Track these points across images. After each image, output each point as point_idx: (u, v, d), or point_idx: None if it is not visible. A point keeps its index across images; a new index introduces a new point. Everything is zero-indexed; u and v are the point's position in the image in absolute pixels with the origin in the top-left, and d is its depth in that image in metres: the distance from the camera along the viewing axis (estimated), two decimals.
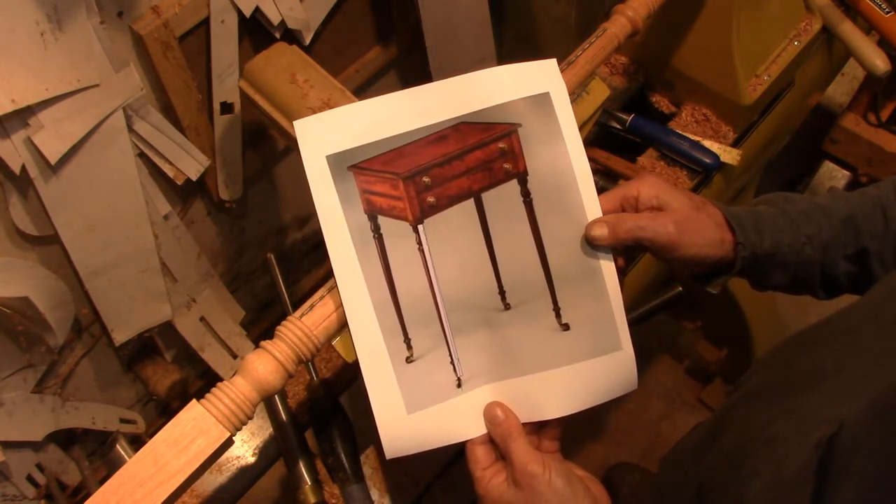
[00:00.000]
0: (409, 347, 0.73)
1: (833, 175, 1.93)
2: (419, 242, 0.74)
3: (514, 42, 1.41)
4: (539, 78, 0.76)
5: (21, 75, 0.83)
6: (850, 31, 1.18)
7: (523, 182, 0.76)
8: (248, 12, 1.03)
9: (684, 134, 1.12)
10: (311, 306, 0.71)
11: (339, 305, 0.72)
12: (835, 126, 1.90)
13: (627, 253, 0.77)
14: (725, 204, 0.78)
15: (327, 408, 0.97)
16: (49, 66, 0.85)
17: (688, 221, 0.71)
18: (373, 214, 0.73)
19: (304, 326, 0.69)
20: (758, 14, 1.07)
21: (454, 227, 0.75)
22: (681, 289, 0.98)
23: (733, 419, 0.68)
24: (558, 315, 0.75)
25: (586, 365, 0.75)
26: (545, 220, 0.76)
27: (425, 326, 0.73)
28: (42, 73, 0.85)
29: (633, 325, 0.92)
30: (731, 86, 1.10)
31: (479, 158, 0.75)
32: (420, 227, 0.74)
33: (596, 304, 0.75)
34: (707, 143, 1.11)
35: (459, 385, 0.74)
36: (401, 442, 0.73)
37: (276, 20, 1.06)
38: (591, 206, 0.76)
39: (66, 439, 1.25)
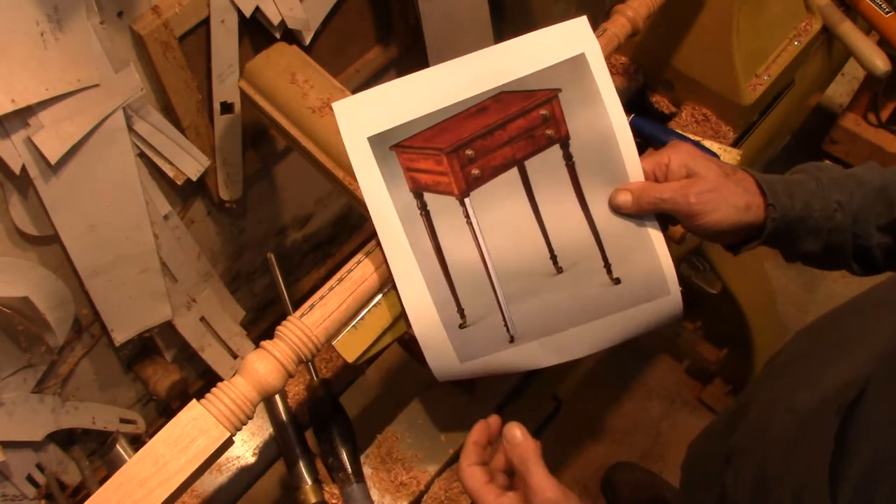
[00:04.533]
0: (463, 316, 0.75)
1: None
2: (467, 216, 0.74)
3: None
4: (572, 39, 0.76)
5: (21, 75, 0.83)
6: (850, 31, 1.18)
7: (566, 146, 0.76)
8: (248, 12, 1.03)
9: (684, 134, 1.12)
10: (311, 306, 0.71)
11: (341, 304, 0.72)
12: (835, 126, 1.90)
13: (661, 220, 0.77)
14: None
15: (327, 408, 0.97)
16: (49, 66, 0.85)
17: (713, 191, 0.72)
18: (418, 192, 0.74)
19: (304, 326, 0.69)
20: (758, 14, 1.07)
21: (500, 197, 0.75)
22: (681, 289, 0.98)
23: (760, 393, 0.69)
24: (609, 271, 0.77)
25: (634, 310, 0.77)
26: (588, 182, 0.76)
27: (479, 296, 0.75)
28: (42, 73, 0.85)
29: None
30: (731, 86, 1.10)
31: (522, 126, 0.75)
32: (466, 201, 0.74)
33: (644, 256, 0.77)
34: (707, 143, 1.11)
35: (512, 340, 0.76)
36: (451, 376, 0.77)
37: (276, 20, 1.06)
38: (632, 164, 0.76)
39: (66, 439, 1.25)
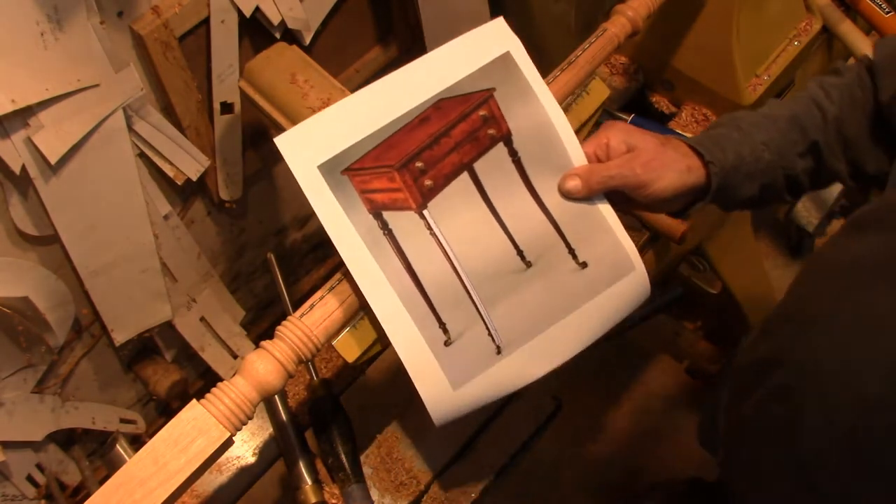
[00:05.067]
0: (446, 332, 0.74)
1: None
2: (429, 228, 0.74)
3: None
4: (495, 40, 0.79)
5: (21, 75, 0.83)
6: (850, 31, 1.18)
7: (509, 143, 0.78)
8: (248, 12, 1.03)
9: (684, 134, 1.12)
10: (311, 306, 0.71)
11: (341, 304, 0.72)
12: None
13: (610, 199, 0.80)
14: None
15: (327, 408, 0.97)
16: (49, 66, 0.85)
17: (655, 160, 0.75)
18: (377, 212, 0.73)
19: (304, 326, 0.69)
20: (758, 14, 1.07)
21: (457, 203, 0.76)
22: (681, 289, 0.98)
23: (808, 394, 0.71)
24: (575, 256, 0.78)
25: (608, 293, 0.78)
26: (537, 173, 0.78)
27: (458, 307, 0.74)
28: (42, 73, 0.85)
29: (632, 325, 0.93)
30: (731, 86, 1.10)
31: (465, 130, 0.76)
32: (426, 213, 0.75)
33: (603, 236, 0.78)
34: None
35: (499, 352, 0.75)
36: (448, 412, 0.75)
37: (276, 20, 1.06)
38: (575, 150, 0.78)
39: (66, 439, 1.25)
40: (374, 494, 0.95)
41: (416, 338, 0.72)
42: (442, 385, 0.73)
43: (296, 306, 0.73)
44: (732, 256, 1.43)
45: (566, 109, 0.90)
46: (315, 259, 1.59)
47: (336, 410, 0.97)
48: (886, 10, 1.16)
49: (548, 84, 0.84)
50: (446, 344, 0.73)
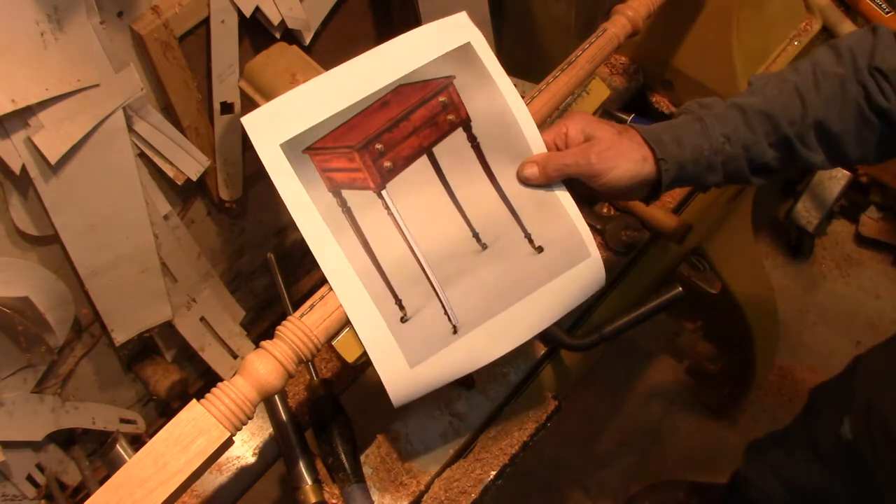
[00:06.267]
0: (402, 308, 0.75)
1: (833, 175, 1.93)
2: (387, 207, 0.76)
3: (514, 42, 1.41)
4: (457, 31, 0.81)
5: (21, 75, 0.83)
6: (850, 32, 1.18)
7: (468, 128, 0.79)
8: (248, 12, 1.03)
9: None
10: (311, 306, 0.71)
11: (341, 305, 0.72)
12: None
13: (568, 186, 0.82)
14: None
15: (327, 408, 0.97)
16: (49, 66, 0.85)
17: (610, 150, 0.77)
18: (337, 190, 0.75)
19: (304, 326, 0.69)
20: (758, 14, 1.07)
21: (416, 186, 0.78)
22: (681, 289, 0.98)
23: None
24: (531, 241, 0.79)
25: (563, 278, 0.80)
26: (495, 159, 0.80)
27: (414, 285, 0.76)
28: (42, 73, 0.85)
29: (632, 325, 0.93)
30: (731, 86, 1.10)
31: (424, 115, 0.78)
32: (384, 193, 0.76)
33: (559, 222, 0.80)
34: None
35: (455, 332, 0.77)
36: (406, 392, 0.76)
37: (276, 20, 1.06)
38: (534, 138, 0.80)
39: (66, 439, 1.25)
40: (374, 494, 0.95)
41: (372, 313, 0.74)
42: (399, 363, 0.75)
43: (296, 306, 0.73)
44: (732, 256, 1.43)
45: (566, 109, 0.91)
46: (315, 259, 1.59)
47: (336, 410, 0.97)
48: (886, 9, 1.16)
49: (547, 84, 0.84)
50: (403, 320, 0.75)
